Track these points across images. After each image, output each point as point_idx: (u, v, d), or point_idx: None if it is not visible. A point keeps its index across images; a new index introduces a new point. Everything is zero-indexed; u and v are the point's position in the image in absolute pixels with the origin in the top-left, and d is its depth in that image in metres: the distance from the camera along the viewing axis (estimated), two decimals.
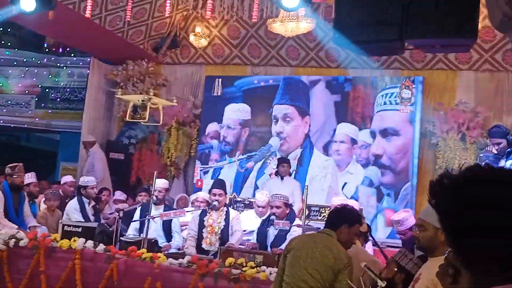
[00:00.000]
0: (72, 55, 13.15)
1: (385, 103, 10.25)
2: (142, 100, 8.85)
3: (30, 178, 8.60)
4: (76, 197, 8.41)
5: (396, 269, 4.25)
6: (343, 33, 4.95)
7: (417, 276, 3.70)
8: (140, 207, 8.01)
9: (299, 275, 4.28)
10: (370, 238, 6.19)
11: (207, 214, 7.41)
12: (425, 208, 4.09)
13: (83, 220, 7.84)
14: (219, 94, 11.37)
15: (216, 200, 7.35)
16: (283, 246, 5.87)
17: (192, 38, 11.13)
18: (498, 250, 1.05)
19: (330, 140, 10.53)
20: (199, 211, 7.57)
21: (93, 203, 8.49)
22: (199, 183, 11.08)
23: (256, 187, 10.42)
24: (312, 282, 4.25)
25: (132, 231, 7.81)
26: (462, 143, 9.51)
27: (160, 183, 7.90)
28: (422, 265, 3.93)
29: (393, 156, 10.05)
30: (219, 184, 7.72)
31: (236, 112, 11.25)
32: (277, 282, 4.48)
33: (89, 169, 10.61)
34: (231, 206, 9.00)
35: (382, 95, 10.28)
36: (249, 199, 9.53)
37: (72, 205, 8.24)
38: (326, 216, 4.66)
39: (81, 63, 12.89)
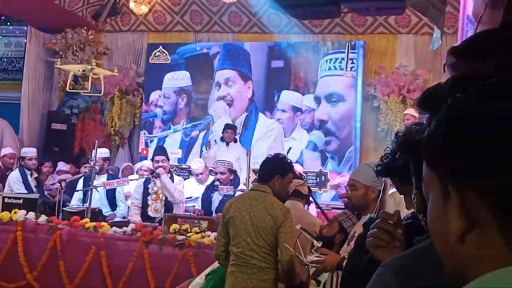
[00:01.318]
0: (8, 23, 12.71)
1: (329, 69, 10.33)
2: (83, 70, 8.68)
3: None
4: (17, 169, 8.27)
5: (337, 229, 4.36)
6: None
7: (352, 235, 3.80)
8: (83, 177, 7.93)
9: (244, 245, 4.33)
10: (312, 200, 6.29)
11: (151, 181, 7.39)
12: (355, 169, 4.20)
13: (25, 192, 7.72)
14: (161, 61, 11.24)
15: (160, 167, 7.33)
16: None
17: (132, 4, 10.91)
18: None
19: (274, 106, 10.59)
20: (143, 179, 7.54)
21: (35, 174, 8.36)
22: (144, 152, 11.00)
23: (201, 155, 10.41)
24: (258, 249, 4.31)
25: (75, 202, 7.74)
26: (403, 105, 9.69)
27: (100, 153, 7.81)
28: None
29: (337, 123, 10.17)
30: (160, 150, 7.73)
31: (175, 81, 11.15)
32: (218, 248, 4.51)
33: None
34: (176, 174, 9.00)
35: (326, 61, 10.35)
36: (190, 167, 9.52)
37: (14, 176, 8.12)
38: (259, 168, 4.64)
39: (18, 32, 12.47)
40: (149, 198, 7.35)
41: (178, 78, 11.14)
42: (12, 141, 10.37)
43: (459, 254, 0.79)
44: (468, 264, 0.78)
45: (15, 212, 6.60)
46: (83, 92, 9.33)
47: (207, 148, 10.24)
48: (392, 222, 1.67)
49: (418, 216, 1.59)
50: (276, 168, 4.52)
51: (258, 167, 4.74)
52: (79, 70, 8.72)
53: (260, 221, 4.32)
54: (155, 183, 7.35)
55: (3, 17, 12.57)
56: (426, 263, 1.13)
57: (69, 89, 9.11)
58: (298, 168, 8.17)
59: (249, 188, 7.12)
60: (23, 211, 6.61)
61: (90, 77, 8.73)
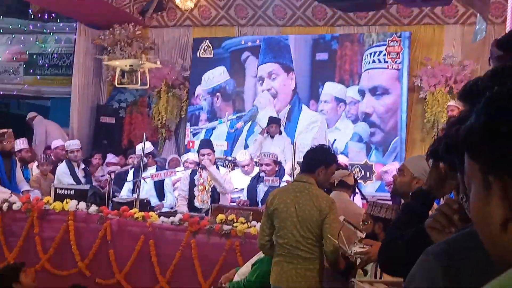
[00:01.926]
0: (58, 20, 13.03)
1: (373, 62, 10.27)
2: (130, 65, 8.83)
3: (21, 144, 8.67)
4: (65, 161, 8.49)
5: (373, 222, 4.36)
6: None
7: (404, 203, 3.80)
8: (132, 169, 8.09)
9: (290, 237, 4.36)
10: (358, 191, 6.30)
11: (197, 173, 7.49)
12: (410, 157, 4.21)
13: (74, 183, 7.92)
14: (207, 55, 11.36)
15: (206, 160, 7.41)
16: None
17: (178, 0, 11.06)
18: None
19: (318, 98, 10.59)
20: (189, 171, 7.66)
21: (82, 165, 8.57)
22: (190, 144, 11.15)
23: (246, 146, 10.49)
24: (304, 240, 4.35)
25: (125, 192, 7.91)
26: (450, 96, 9.56)
27: (141, 148, 7.87)
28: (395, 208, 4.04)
29: (382, 115, 10.11)
30: (206, 143, 7.82)
31: (213, 79, 11.28)
32: (263, 238, 4.54)
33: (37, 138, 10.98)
34: (223, 165, 9.10)
35: (370, 53, 10.30)
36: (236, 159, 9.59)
37: (62, 169, 8.33)
38: (302, 160, 4.64)
39: (67, 29, 12.79)
40: (195, 189, 7.45)
41: (216, 76, 11.24)
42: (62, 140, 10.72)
43: (502, 242, 0.81)
44: (511, 251, 0.81)
45: (67, 203, 6.78)
46: (131, 87, 9.49)
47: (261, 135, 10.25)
48: (453, 207, 1.68)
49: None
50: (320, 159, 4.52)
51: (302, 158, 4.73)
52: (126, 65, 8.88)
53: (305, 213, 4.34)
54: (201, 175, 7.45)
55: (53, 15, 12.90)
56: (469, 249, 1.15)
57: (117, 84, 9.28)
58: (343, 159, 8.18)
59: (293, 179, 7.19)
60: (74, 202, 6.78)
61: (138, 72, 8.87)
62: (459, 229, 1.57)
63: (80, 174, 8.36)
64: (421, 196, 2.28)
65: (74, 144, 8.68)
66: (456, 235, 1.28)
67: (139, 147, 7.93)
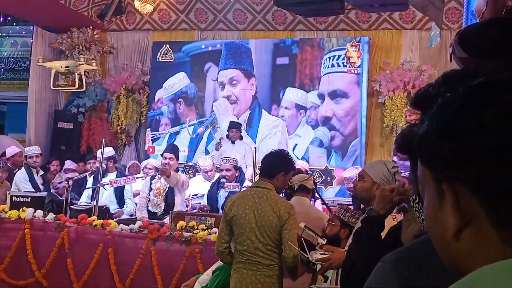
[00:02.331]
0: (15, 23, 12.81)
1: (333, 66, 10.35)
2: (66, 67, 8.60)
3: None
4: (24, 167, 8.33)
5: (339, 225, 4.38)
6: None
7: (357, 229, 3.82)
8: (92, 175, 7.98)
9: (249, 243, 4.34)
10: (318, 196, 6.32)
11: (156, 178, 7.44)
12: (370, 162, 4.24)
13: (32, 190, 7.77)
14: (167, 60, 11.28)
15: (166, 164, 7.35)
16: None
17: (137, 4, 10.98)
18: None
19: (279, 103, 10.62)
20: (150, 177, 7.60)
21: (41, 172, 8.41)
22: (151, 149, 11.06)
23: (207, 152, 10.46)
24: (263, 246, 4.33)
25: (84, 199, 7.80)
26: (408, 101, 9.68)
27: (105, 152, 7.82)
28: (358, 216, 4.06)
29: (342, 119, 10.19)
30: (171, 148, 7.78)
31: (174, 85, 11.23)
32: (221, 245, 4.49)
33: None
34: (183, 171, 9.05)
35: (329, 57, 10.37)
36: (198, 165, 9.55)
37: (21, 175, 8.17)
38: (261, 165, 4.62)
39: (24, 32, 12.57)
40: (151, 193, 7.39)
41: (176, 82, 11.19)
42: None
43: (455, 250, 0.81)
44: (464, 260, 0.81)
45: (23, 210, 6.65)
46: (68, 89, 9.22)
47: (218, 148, 10.25)
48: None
49: (422, 215, 1.61)
50: (280, 165, 4.50)
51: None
52: (61, 67, 8.63)
53: (265, 219, 4.32)
54: (158, 179, 7.39)
55: (9, 17, 12.66)
56: (424, 256, 1.15)
57: (52, 86, 9.04)
58: (303, 165, 8.22)
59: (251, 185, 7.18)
60: (31, 209, 6.66)
61: (75, 74, 8.63)
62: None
63: (39, 181, 8.21)
64: (374, 222, 2.37)
65: (34, 149, 8.53)
66: (411, 243, 1.28)
67: (100, 153, 7.81)
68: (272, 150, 4.78)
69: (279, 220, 4.30)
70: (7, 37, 12.82)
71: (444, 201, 0.82)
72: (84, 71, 8.93)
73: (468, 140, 0.78)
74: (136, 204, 7.85)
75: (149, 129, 11.31)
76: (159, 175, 7.38)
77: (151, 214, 7.24)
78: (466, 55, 1.68)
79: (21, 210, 6.67)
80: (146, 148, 11.24)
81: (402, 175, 5.52)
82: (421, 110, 1.33)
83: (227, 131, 9.61)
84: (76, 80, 8.62)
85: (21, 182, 8.06)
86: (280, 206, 4.33)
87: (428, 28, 9.92)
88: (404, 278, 1.14)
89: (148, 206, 7.34)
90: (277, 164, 4.50)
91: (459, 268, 0.82)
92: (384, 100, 9.93)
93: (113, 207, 7.59)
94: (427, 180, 0.86)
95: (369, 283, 1.22)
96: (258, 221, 4.30)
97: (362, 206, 4.96)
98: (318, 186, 6.52)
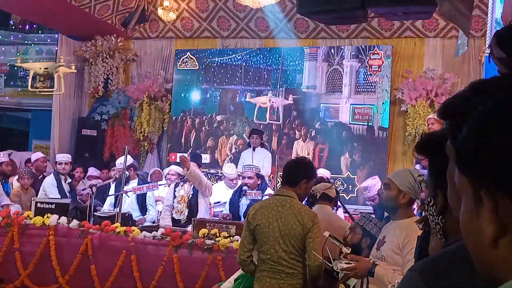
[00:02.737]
0: (40, 31, 12.99)
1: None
2: (45, 68, 8.59)
3: (2, 157, 8.57)
4: (52, 173, 8.43)
5: (361, 234, 4.37)
6: (307, 3, 5.00)
7: (381, 239, 3.80)
8: (114, 182, 8.04)
9: (273, 252, 4.34)
10: (340, 204, 6.30)
11: (179, 185, 7.47)
12: (395, 171, 4.23)
13: (59, 196, 7.85)
14: (189, 67, 11.35)
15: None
16: None
17: (160, 12, 11.05)
18: None
19: None
20: (174, 184, 7.64)
21: (69, 179, 8.51)
22: (173, 157, 11.11)
23: (230, 159, 10.49)
24: (287, 255, 4.33)
25: (107, 206, 7.86)
26: (430, 109, 9.64)
27: (122, 161, 7.83)
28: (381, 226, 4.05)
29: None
30: (193, 157, 7.80)
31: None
32: (243, 254, 4.50)
33: None
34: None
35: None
36: (220, 172, 9.59)
37: (49, 181, 8.27)
38: (282, 173, 4.62)
39: (49, 40, 12.74)
40: (175, 200, 7.42)
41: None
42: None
43: (492, 258, 0.81)
44: (500, 268, 0.80)
45: (47, 217, 6.73)
46: (46, 91, 9.15)
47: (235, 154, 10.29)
48: None
49: (436, 219, 1.59)
50: (303, 173, 4.51)
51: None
52: (40, 68, 8.63)
53: (288, 228, 4.32)
54: (182, 186, 7.42)
55: (34, 25, 12.84)
56: (452, 266, 1.15)
57: (30, 88, 9.01)
58: (325, 172, 8.20)
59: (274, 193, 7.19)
60: (56, 216, 6.73)
61: (54, 76, 8.59)
62: None
63: (66, 188, 8.30)
64: None
65: (64, 157, 8.66)
66: (440, 252, 1.28)
67: (119, 161, 7.90)
68: (294, 159, 4.79)
69: (302, 229, 4.29)
70: (33, 45, 13.00)
71: (482, 208, 0.81)
72: (64, 74, 8.81)
73: (507, 147, 0.78)
74: (158, 211, 7.91)
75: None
76: (183, 183, 7.42)
77: (175, 222, 7.27)
78: (504, 55, 1.68)
79: (45, 216, 6.74)
80: (168, 156, 11.29)
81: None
82: (448, 119, 1.33)
83: (248, 137, 9.64)
84: (56, 82, 8.56)
85: (50, 188, 8.16)
86: (304, 215, 4.33)
87: (451, 36, 9.89)
88: (431, 286, 1.15)
89: (172, 214, 7.37)
90: (299, 172, 4.51)
91: (493, 276, 0.81)
92: (407, 109, 9.88)
93: (136, 214, 7.63)
94: (465, 187, 0.86)
95: None
96: (282, 230, 4.30)
97: (385, 214, 4.96)
98: (340, 194, 6.50)
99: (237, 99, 11.16)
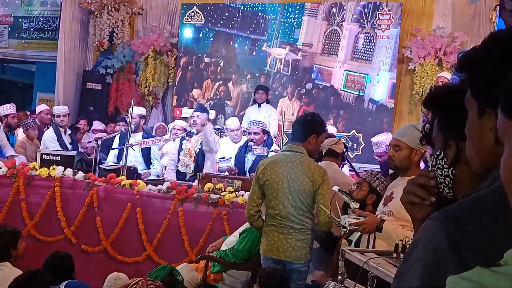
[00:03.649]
0: None
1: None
2: None
3: (8, 109, 8.56)
4: (51, 126, 8.39)
5: (368, 190, 4.36)
6: None
7: (389, 195, 3.79)
8: (118, 135, 8.02)
9: (281, 208, 4.35)
10: (347, 161, 6.28)
11: (186, 139, 7.45)
12: (399, 129, 4.18)
13: (60, 149, 7.84)
14: (195, 22, 11.21)
15: (194, 122, 7.31)
16: None
17: None
18: None
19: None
20: (179, 138, 7.62)
21: (69, 132, 8.48)
22: (177, 112, 11.08)
23: (235, 115, 10.44)
24: (295, 211, 4.34)
25: (111, 159, 7.85)
26: (438, 68, 9.54)
27: (136, 110, 7.88)
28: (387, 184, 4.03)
29: None
30: (200, 107, 7.76)
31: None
32: (252, 208, 4.51)
33: None
34: None
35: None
36: (224, 127, 9.51)
37: (49, 134, 8.23)
38: (292, 128, 4.60)
39: None
40: (181, 153, 7.41)
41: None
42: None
43: None
44: None
45: (53, 169, 6.73)
46: None
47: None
48: (429, 175, 1.66)
49: (445, 171, 1.56)
50: (311, 128, 4.48)
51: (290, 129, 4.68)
52: None
53: (298, 184, 4.32)
54: (189, 140, 7.40)
55: None
56: (473, 214, 1.15)
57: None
58: (331, 129, 8.16)
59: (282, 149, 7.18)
60: (61, 168, 6.73)
61: None
62: (437, 198, 1.56)
63: (66, 140, 8.27)
64: None
65: (62, 109, 8.59)
66: (460, 201, 1.27)
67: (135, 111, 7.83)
68: (303, 114, 4.76)
69: (312, 186, 4.30)
70: None
71: None
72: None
73: None
74: (163, 165, 7.90)
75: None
76: (189, 137, 7.40)
77: (180, 175, 7.28)
78: None
79: (51, 168, 6.74)
80: (172, 110, 11.25)
81: None
82: (469, 71, 1.31)
83: (254, 93, 9.58)
84: None
85: (49, 141, 8.12)
86: (314, 171, 4.33)
87: None
88: (452, 235, 1.14)
89: (177, 167, 7.37)
90: (308, 127, 4.47)
91: None
92: (415, 67, 9.77)
93: (140, 168, 7.63)
94: (509, 131, 0.87)
95: (416, 240, 1.22)
96: (291, 185, 4.30)
97: (390, 172, 4.93)
98: (348, 149, 6.48)
99: (230, 44, 11.06)
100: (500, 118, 0.89)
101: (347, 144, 5.72)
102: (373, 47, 10.06)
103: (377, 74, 10.01)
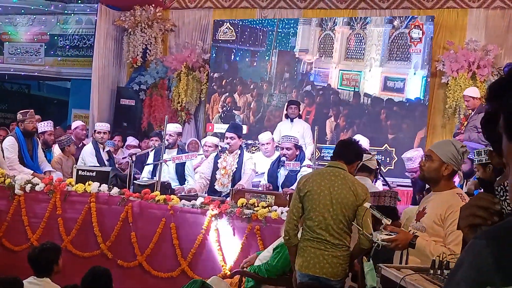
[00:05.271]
0: (80, 1, 13.06)
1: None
2: None
3: (46, 126, 8.70)
4: (91, 142, 8.53)
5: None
6: None
7: (421, 210, 3.76)
8: (153, 151, 8.11)
9: (321, 219, 4.34)
10: (380, 176, 6.27)
11: (221, 157, 7.51)
12: (437, 142, 4.19)
13: (98, 165, 7.96)
14: (227, 38, 11.33)
15: (227, 143, 7.43)
16: (293, 187, 5.95)
17: None
18: None
19: None
20: (214, 154, 7.68)
21: (107, 148, 8.61)
22: (210, 127, 11.16)
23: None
24: (335, 225, 4.33)
25: (146, 175, 7.93)
26: (472, 81, 9.45)
27: (172, 127, 7.98)
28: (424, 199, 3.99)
29: None
30: (232, 127, 7.81)
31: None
32: (291, 222, 4.49)
33: None
34: (246, 150, 9.09)
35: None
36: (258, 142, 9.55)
37: (88, 149, 8.37)
38: (338, 149, 4.68)
39: (88, 10, 12.81)
40: (217, 172, 7.47)
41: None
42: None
43: None
44: None
45: (89, 184, 6.83)
46: None
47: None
48: (493, 200, 1.63)
49: None
50: (359, 154, 4.66)
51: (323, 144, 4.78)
52: None
53: (341, 197, 4.32)
54: (224, 159, 7.46)
55: None
56: None
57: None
58: (364, 142, 8.13)
59: (315, 164, 7.17)
60: (96, 183, 6.83)
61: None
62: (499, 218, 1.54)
63: (104, 156, 8.41)
64: None
65: (103, 126, 8.76)
66: (504, 221, 1.25)
67: (170, 127, 7.92)
68: (350, 139, 4.90)
69: (356, 199, 4.30)
70: (72, 15, 13.09)
71: None
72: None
73: None
74: (195, 180, 7.96)
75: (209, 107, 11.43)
76: (221, 154, 7.45)
77: (216, 193, 7.32)
78: None
79: (87, 184, 6.84)
80: (205, 126, 11.34)
81: (469, 156, 5.42)
82: (497, 101, 1.27)
83: (286, 108, 9.59)
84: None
85: (88, 156, 8.26)
86: (357, 186, 4.37)
87: (495, 7, 9.68)
88: (498, 257, 1.13)
89: (214, 185, 7.42)
90: (357, 153, 4.63)
91: None
92: (448, 81, 9.70)
93: (174, 184, 7.69)
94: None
95: (461, 259, 1.21)
96: (334, 198, 4.32)
97: (426, 187, 4.91)
98: (380, 165, 6.46)
99: (232, 58, 11.27)
100: (505, 141, 0.89)
101: (379, 161, 5.72)
102: (363, 45, 10.35)
103: (369, 70, 10.30)
